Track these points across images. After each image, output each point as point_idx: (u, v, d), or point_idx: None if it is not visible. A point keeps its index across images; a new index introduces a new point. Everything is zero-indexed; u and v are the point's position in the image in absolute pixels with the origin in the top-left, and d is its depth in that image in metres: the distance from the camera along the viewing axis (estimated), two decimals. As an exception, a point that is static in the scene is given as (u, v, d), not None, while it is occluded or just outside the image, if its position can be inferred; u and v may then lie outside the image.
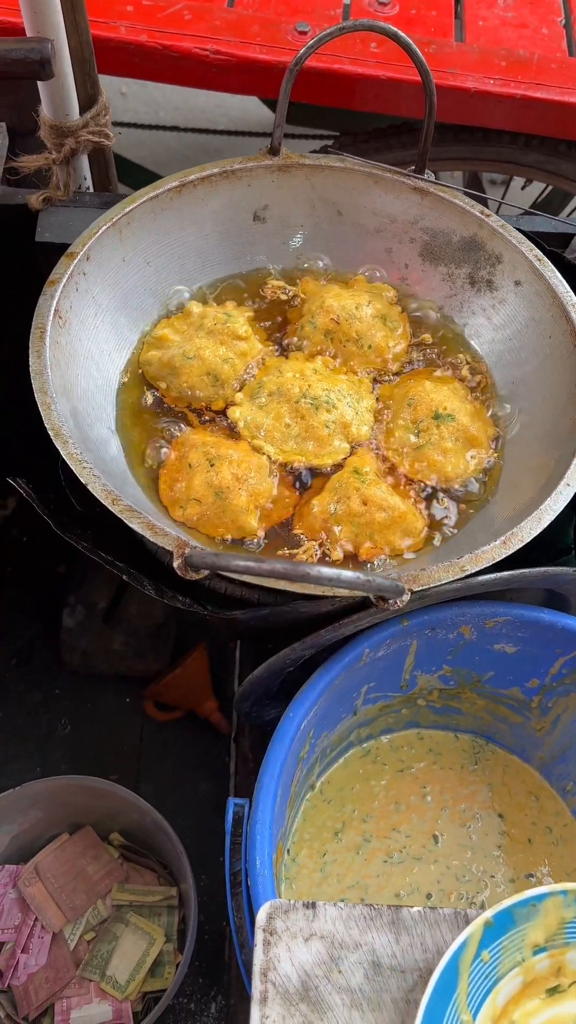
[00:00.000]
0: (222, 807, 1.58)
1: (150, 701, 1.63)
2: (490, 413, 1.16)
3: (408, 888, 1.25)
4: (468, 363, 1.20)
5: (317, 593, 0.89)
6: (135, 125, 2.54)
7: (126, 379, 1.16)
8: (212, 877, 1.51)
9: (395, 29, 1.06)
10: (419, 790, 1.33)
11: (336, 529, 1.03)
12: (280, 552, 1.03)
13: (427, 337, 1.22)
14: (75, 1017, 1.29)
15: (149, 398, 1.16)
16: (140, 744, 1.62)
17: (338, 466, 1.09)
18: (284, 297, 1.24)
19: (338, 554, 1.03)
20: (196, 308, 1.20)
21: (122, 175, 2.24)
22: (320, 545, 1.04)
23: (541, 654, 1.19)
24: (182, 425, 1.14)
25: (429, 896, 1.25)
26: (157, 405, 1.15)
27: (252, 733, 1.51)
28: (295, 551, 1.04)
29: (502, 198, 2.19)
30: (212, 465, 1.04)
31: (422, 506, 1.10)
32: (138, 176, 2.28)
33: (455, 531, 1.07)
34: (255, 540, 1.05)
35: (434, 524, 1.08)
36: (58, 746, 1.60)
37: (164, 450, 1.10)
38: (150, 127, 2.59)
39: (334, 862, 1.26)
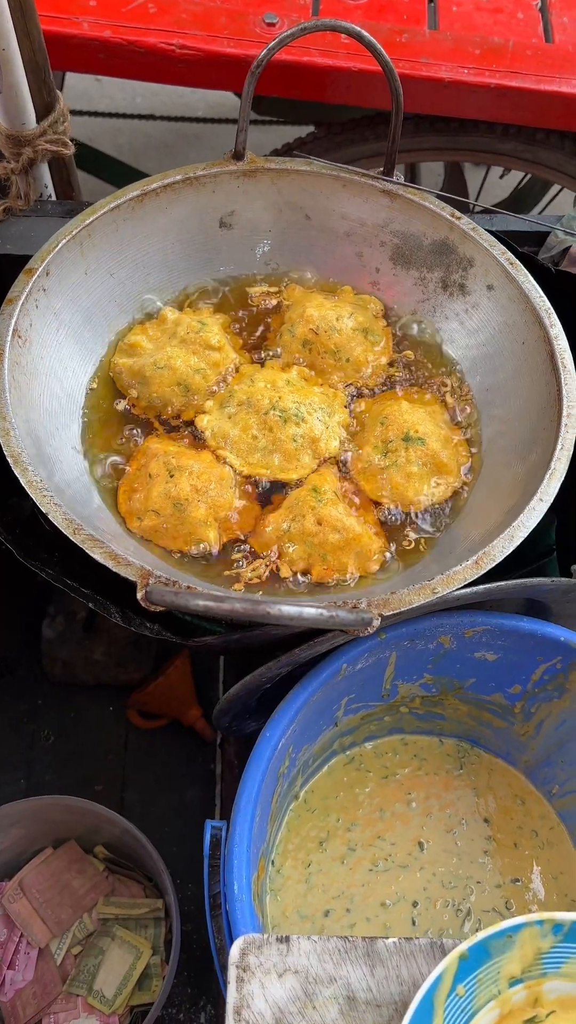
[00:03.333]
0: (209, 814, 1.58)
1: (133, 710, 1.62)
2: (468, 435, 1.14)
3: (394, 896, 1.25)
4: (452, 387, 1.17)
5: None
6: (111, 115, 2.49)
7: (94, 386, 1.14)
8: (200, 886, 1.50)
9: (359, 29, 1.02)
10: (404, 797, 1.32)
11: (289, 548, 1.01)
12: (227, 572, 1.01)
13: (409, 354, 1.19)
14: (62, 1033, 1.29)
15: (120, 405, 1.13)
16: (125, 753, 1.61)
17: (302, 481, 1.07)
18: (271, 304, 1.21)
19: (287, 572, 1.01)
20: (171, 315, 1.18)
21: (96, 169, 2.21)
22: (268, 564, 1.02)
23: (522, 661, 1.18)
24: (148, 434, 1.12)
25: (415, 904, 1.25)
26: (126, 414, 1.13)
27: (237, 739, 1.50)
28: (241, 570, 1.01)
29: (480, 186, 2.16)
30: (171, 476, 1.02)
31: (381, 526, 1.07)
32: (113, 169, 2.24)
33: (423, 549, 1.04)
34: (211, 552, 1.03)
35: (400, 542, 1.06)
36: (42, 756, 1.59)
37: (113, 459, 1.09)
38: (126, 116, 2.54)
39: (319, 872, 1.25)
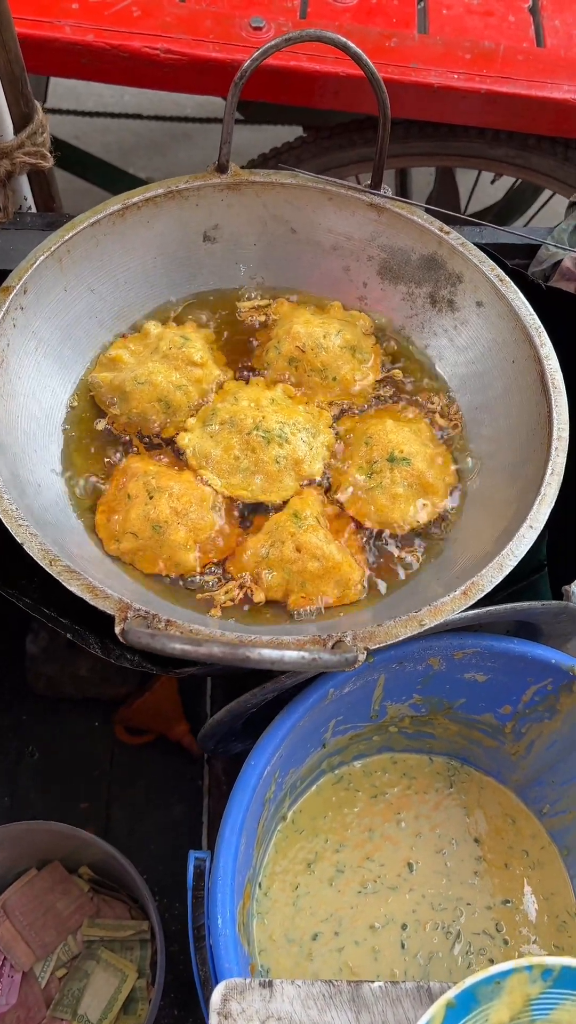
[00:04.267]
0: (197, 830, 1.57)
1: (120, 725, 1.59)
2: (456, 467, 1.11)
3: (383, 919, 1.23)
4: (440, 405, 1.14)
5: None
6: (98, 114, 2.46)
7: (75, 404, 1.11)
8: (187, 904, 1.48)
9: (345, 40, 1.00)
10: (393, 816, 1.30)
11: (267, 575, 0.98)
12: (200, 596, 0.99)
13: (398, 373, 1.17)
14: (46, 1060, 1.27)
15: (100, 424, 1.11)
16: (111, 769, 1.58)
17: (284, 504, 1.05)
18: (259, 321, 1.19)
19: (260, 596, 0.98)
20: (154, 329, 1.15)
21: (82, 171, 2.17)
22: (241, 586, 0.99)
23: (512, 682, 1.16)
24: (128, 452, 1.09)
25: (404, 927, 1.23)
26: (106, 433, 1.10)
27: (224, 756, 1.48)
28: (214, 593, 0.99)
29: (471, 191, 2.13)
30: (151, 497, 1.00)
31: (365, 553, 1.05)
32: (99, 171, 2.20)
33: (412, 572, 1.02)
34: (191, 575, 1.01)
35: (387, 565, 1.03)
36: (27, 773, 1.57)
37: (93, 479, 1.07)
38: (114, 115, 2.51)
39: (307, 895, 1.23)
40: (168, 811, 1.56)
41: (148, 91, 2.99)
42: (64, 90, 2.97)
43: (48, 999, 1.32)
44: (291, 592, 0.98)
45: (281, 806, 1.23)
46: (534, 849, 1.30)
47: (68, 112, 2.48)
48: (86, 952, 1.34)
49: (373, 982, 0.78)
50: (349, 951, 1.20)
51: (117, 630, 0.78)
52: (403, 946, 1.22)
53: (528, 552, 0.94)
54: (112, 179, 2.18)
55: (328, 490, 1.08)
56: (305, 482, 1.07)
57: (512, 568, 0.90)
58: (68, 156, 2.11)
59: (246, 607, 0.99)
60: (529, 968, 0.75)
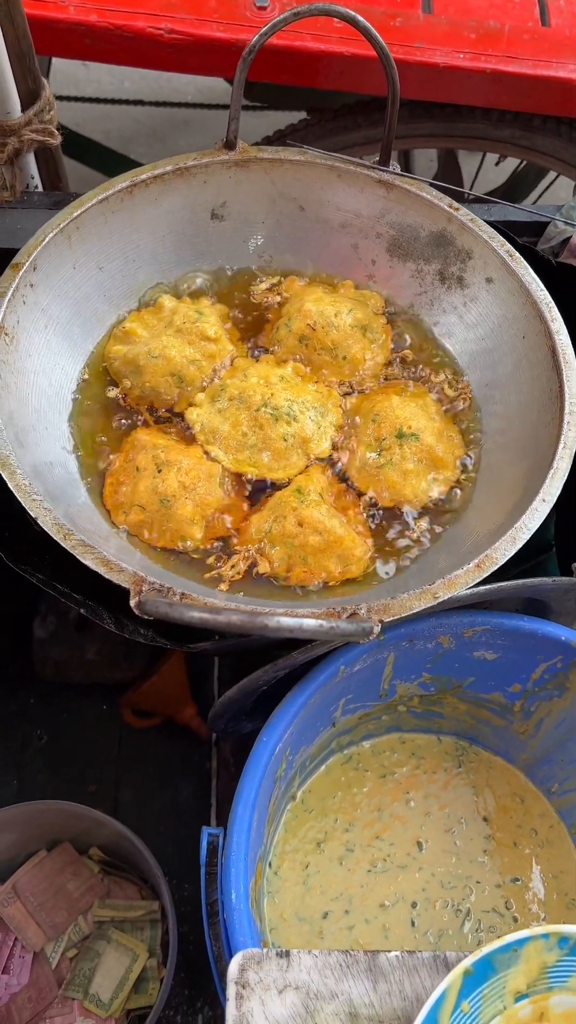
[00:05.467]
0: (205, 812, 1.57)
1: (127, 708, 1.59)
2: (467, 431, 1.11)
3: (393, 897, 1.24)
4: (450, 382, 1.14)
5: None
6: (98, 100, 2.44)
7: (86, 376, 1.11)
8: (197, 885, 1.48)
9: (353, 14, 0.99)
10: (402, 796, 1.31)
11: (270, 549, 0.98)
12: (207, 575, 0.99)
13: (408, 353, 1.16)
14: (58, 1038, 1.27)
15: (112, 393, 1.10)
16: (119, 752, 1.58)
17: (291, 481, 1.04)
18: (273, 301, 1.18)
19: (265, 567, 0.98)
20: (168, 302, 1.14)
21: (83, 156, 2.16)
22: (245, 558, 0.99)
23: (522, 660, 1.16)
24: (138, 426, 1.09)
25: (414, 905, 1.23)
26: (117, 406, 1.10)
27: (233, 737, 1.48)
28: (221, 570, 0.99)
29: (476, 173, 2.13)
30: (159, 471, 1.00)
31: (372, 530, 1.05)
32: (101, 156, 2.19)
33: (423, 549, 1.02)
34: (196, 549, 1.01)
35: (399, 541, 1.03)
36: (35, 757, 1.57)
37: (103, 454, 1.07)
38: (114, 101, 2.49)
39: (317, 873, 1.24)
40: (176, 794, 1.56)
41: (148, 78, 2.99)
42: (63, 77, 2.96)
43: (59, 979, 1.32)
44: (294, 566, 0.98)
45: (291, 785, 1.23)
46: (543, 828, 1.31)
47: (68, 98, 2.47)
48: (97, 932, 1.35)
49: (390, 952, 0.79)
50: (359, 929, 1.21)
51: (133, 603, 0.78)
52: (413, 924, 1.22)
53: (537, 531, 0.94)
54: (114, 164, 2.17)
55: (336, 468, 1.07)
56: (313, 460, 1.06)
57: (525, 541, 0.90)
58: (69, 141, 2.09)
59: (255, 577, 0.98)
60: (546, 936, 0.75)
